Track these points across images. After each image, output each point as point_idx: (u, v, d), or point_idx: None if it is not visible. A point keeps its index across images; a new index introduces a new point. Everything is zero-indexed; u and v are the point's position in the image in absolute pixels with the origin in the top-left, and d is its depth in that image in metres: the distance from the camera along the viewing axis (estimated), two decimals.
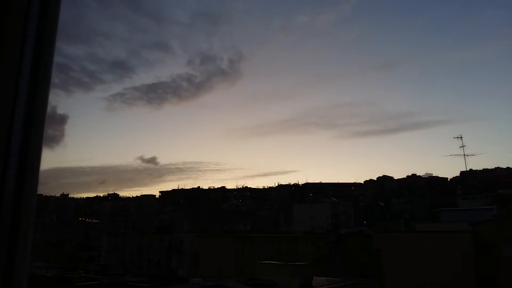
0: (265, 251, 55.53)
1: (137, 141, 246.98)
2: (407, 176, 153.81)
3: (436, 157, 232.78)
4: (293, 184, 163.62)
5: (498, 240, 35.53)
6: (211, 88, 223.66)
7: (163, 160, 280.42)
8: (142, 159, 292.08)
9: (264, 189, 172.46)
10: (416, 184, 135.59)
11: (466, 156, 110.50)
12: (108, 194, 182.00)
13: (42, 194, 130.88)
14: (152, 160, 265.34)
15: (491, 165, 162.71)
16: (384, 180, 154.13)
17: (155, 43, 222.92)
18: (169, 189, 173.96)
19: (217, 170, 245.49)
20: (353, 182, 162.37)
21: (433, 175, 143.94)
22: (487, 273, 35.42)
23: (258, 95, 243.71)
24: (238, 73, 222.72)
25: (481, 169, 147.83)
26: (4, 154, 1.19)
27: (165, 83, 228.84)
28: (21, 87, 1.25)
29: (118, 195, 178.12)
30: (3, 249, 1.17)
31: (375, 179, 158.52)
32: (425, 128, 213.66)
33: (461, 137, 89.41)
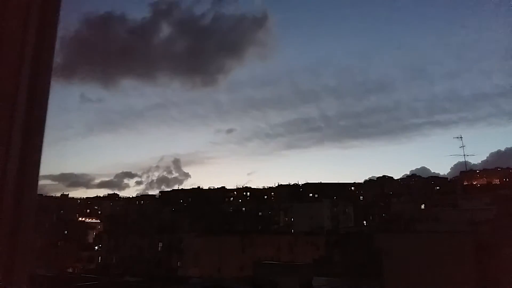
0: (265, 251, 55.49)
1: None
2: (407, 176, 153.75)
3: (436, 157, 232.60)
4: (293, 184, 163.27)
5: (498, 240, 35.47)
6: None
7: None
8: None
9: (264, 189, 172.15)
10: (416, 184, 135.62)
11: (466, 156, 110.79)
12: (108, 194, 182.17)
13: (42, 194, 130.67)
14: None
15: (491, 165, 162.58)
16: (384, 180, 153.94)
17: None
18: (169, 189, 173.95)
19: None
20: (353, 182, 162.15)
21: (433, 175, 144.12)
22: (487, 273, 35.38)
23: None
24: None
25: (481, 169, 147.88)
26: (4, 154, 1.19)
27: None
28: (21, 87, 1.25)
29: (118, 195, 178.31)
30: (3, 249, 1.17)
31: (375, 179, 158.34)
32: (426, 128, 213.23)
33: (461, 137, 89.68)
